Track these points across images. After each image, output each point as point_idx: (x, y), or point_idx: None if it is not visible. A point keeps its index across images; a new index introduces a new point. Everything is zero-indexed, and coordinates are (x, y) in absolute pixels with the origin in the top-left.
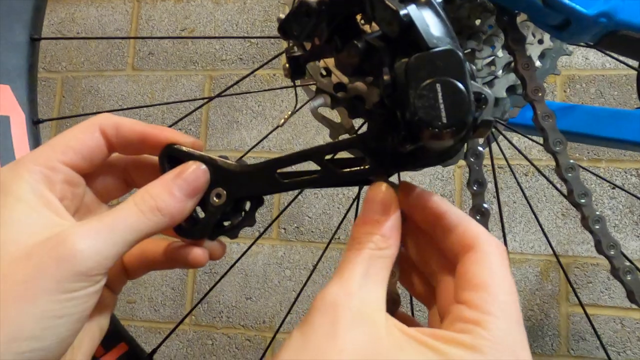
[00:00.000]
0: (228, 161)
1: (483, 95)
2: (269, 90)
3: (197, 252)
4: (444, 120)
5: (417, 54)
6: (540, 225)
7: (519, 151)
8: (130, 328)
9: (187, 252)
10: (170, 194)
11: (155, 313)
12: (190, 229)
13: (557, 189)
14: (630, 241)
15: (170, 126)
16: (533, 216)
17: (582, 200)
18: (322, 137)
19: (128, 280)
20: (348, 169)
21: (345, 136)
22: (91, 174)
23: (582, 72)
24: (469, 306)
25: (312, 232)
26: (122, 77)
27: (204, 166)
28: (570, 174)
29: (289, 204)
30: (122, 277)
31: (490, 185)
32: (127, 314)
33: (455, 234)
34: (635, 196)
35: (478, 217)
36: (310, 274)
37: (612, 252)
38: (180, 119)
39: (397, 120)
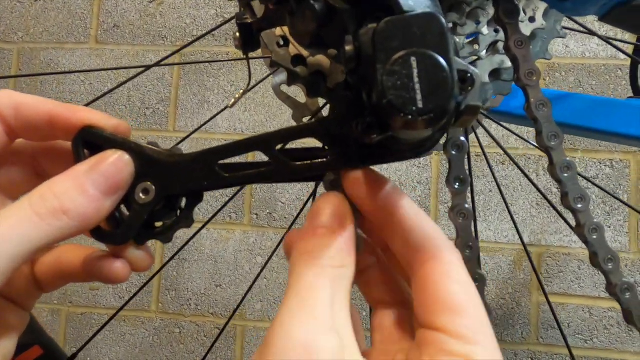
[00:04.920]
0: (158, 149)
1: (469, 75)
2: (216, 61)
3: (116, 266)
4: (420, 104)
5: (388, 18)
6: (512, 218)
7: (496, 141)
8: (94, 316)
9: (103, 265)
10: (82, 191)
11: (120, 300)
12: (111, 232)
13: (529, 179)
14: None
15: (89, 101)
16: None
17: (579, 206)
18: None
19: (43, 293)
20: (303, 162)
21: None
22: None
23: (562, 61)
24: (452, 336)
25: (285, 218)
26: (84, 51)
27: (127, 156)
28: (566, 174)
29: (237, 193)
30: (33, 290)
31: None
32: (90, 301)
33: (410, 237)
34: (605, 190)
35: (460, 220)
36: (270, 259)
37: (610, 267)
38: (103, 95)
39: (363, 102)
